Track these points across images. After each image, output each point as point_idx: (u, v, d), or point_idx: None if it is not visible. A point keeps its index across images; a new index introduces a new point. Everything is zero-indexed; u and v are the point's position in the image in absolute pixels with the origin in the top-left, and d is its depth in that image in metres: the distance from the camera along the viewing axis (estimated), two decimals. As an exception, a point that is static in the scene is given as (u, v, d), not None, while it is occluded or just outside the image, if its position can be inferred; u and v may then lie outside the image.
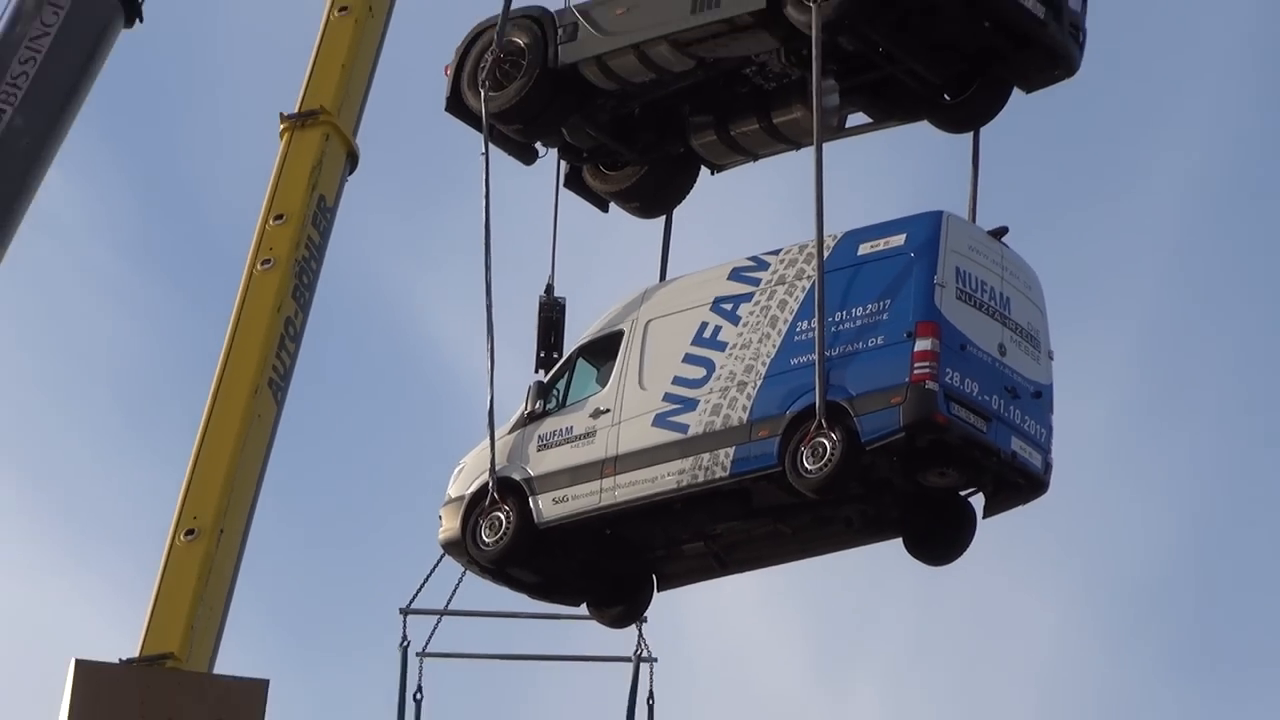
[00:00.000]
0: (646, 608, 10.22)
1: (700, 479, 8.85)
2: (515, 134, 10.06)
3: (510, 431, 9.73)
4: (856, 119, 9.94)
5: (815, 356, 8.46)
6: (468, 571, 9.88)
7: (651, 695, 10.69)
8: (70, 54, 9.21)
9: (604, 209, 10.95)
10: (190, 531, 9.20)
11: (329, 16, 10.06)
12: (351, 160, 10.04)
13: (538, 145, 10.42)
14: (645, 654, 10.74)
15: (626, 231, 10.87)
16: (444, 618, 10.61)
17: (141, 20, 9.47)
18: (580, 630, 10.14)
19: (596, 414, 9.43)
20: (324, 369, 11.30)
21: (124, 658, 8.66)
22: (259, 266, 9.34)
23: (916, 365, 8.43)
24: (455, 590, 10.12)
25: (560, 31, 9.77)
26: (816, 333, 8.57)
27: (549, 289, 10.19)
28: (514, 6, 9.81)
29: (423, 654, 10.85)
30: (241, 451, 9.23)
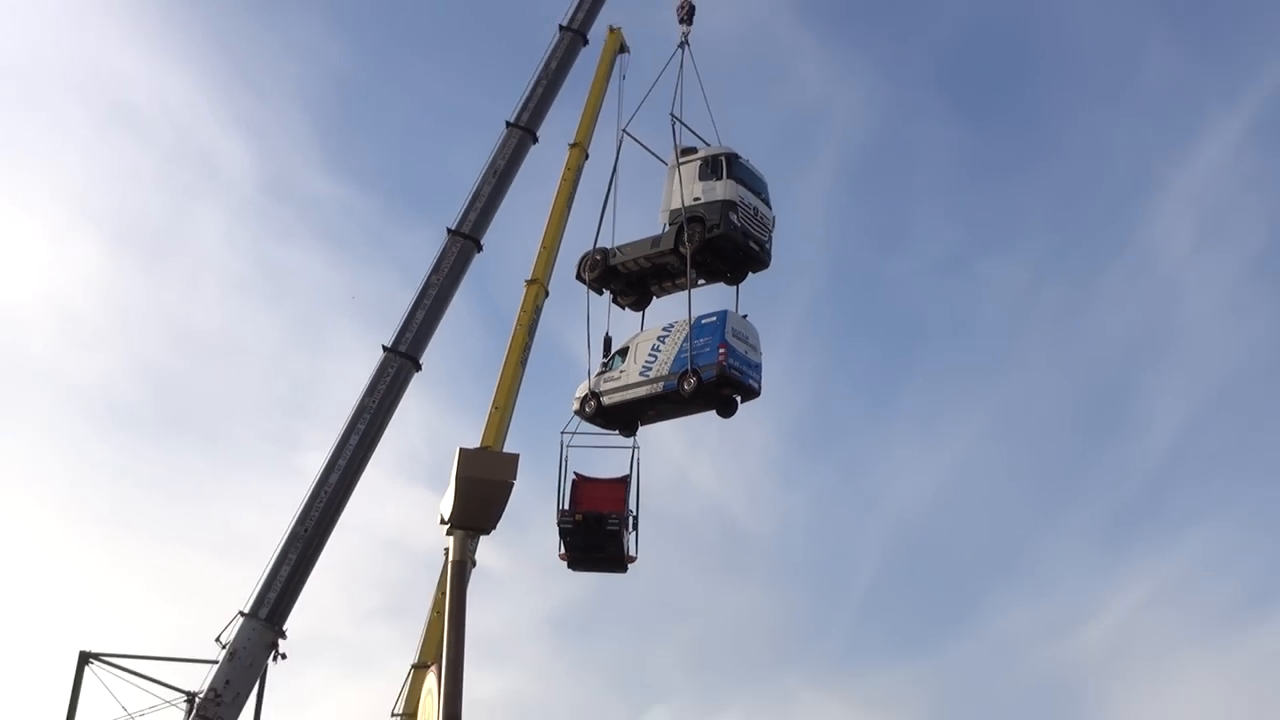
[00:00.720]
0: (636, 430, 24.71)
1: (653, 392, 23.93)
2: (596, 285, 25.22)
3: (597, 375, 24.54)
4: (703, 281, 24.92)
5: (690, 354, 23.66)
6: (582, 421, 24.58)
7: (639, 463, 24.91)
8: (461, 267, 25.63)
9: (624, 309, 26.00)
10: (497, 407, 25.33)
11: (539, 251, 26.24)
12: (547, 293, 25.65)
13: (603, 289, 25.42)
14: (637, 443, 25.04)
15: (631, 316, 26.26)
16: (575, 435, 24.67)
17: (482, 250, 26.66)
18: (617, 439, 25.13)
19: (621, 371, 24.31)
20: (536, 360, 27.58)
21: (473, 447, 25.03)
22: (518, 326, 25.76)
23: (720, 356, 23.43)
24: (579, 427, 24.62)
25: (610, 254, 24.93)
26: (689, 345, 23.68)
27: (606, 334, 25.32)
28: (598, 245, 25.03)
29: (569, 445, 24.45)
30: (513, 380, 25.16)
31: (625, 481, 24.72)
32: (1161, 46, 79.00)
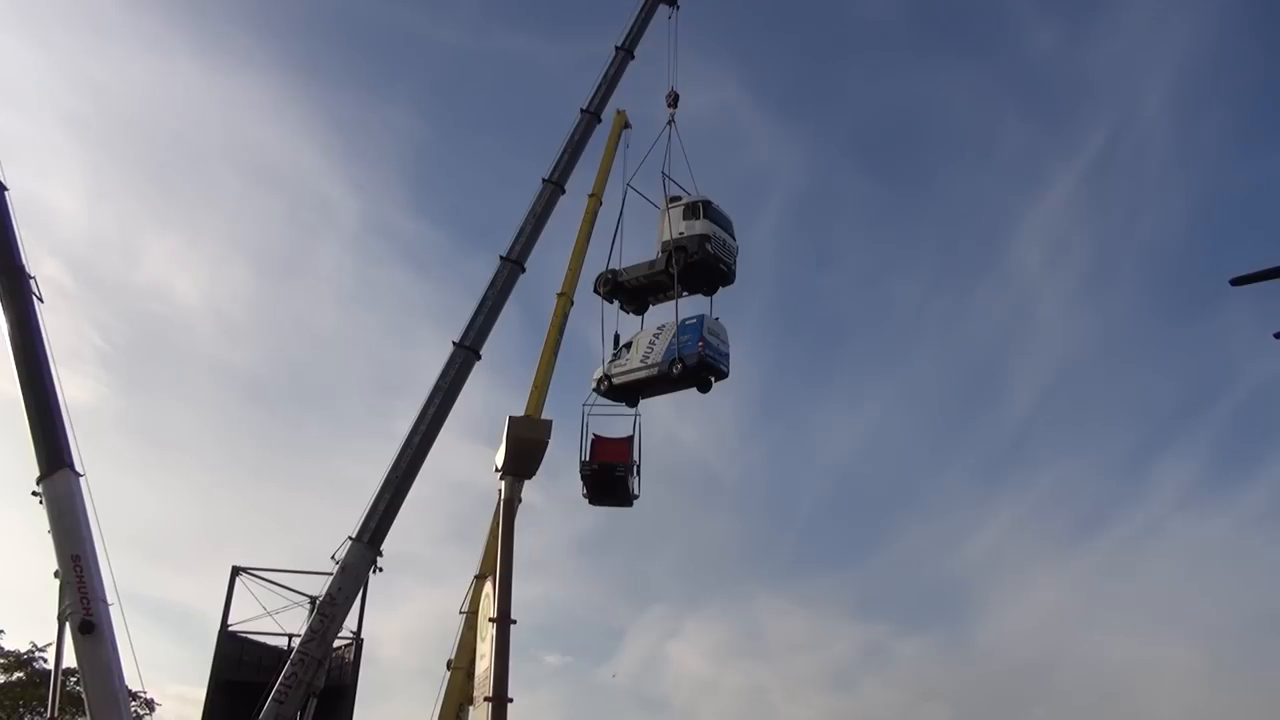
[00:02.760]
0: (639, 403, 31.34)
1: (651, 374, 31.50)
2: (608, 297, 32.61)
3: (609, 362, 31.87)
4: (686, 293, 32.29)
5: (677, 346, 31.23)
6: (599, 396, 31.56)
7: (641, 427, 31.27)
8: (510, 283, 33.80)
9: (628, 314, 33.23)
10: (536, 386, 32.53)
11: (566, 272, 33.70)
12: (572, 302, 32.83)
13: (613, 299, 32.62)
14: (639, 412, 31.60)
15: (634, 319, 33.45)
16: (593, 406, 31.64)
17: (525, 271, 34.95)
18: (624, 410, 31.87)
19: (627, 359, 31.74)
20: (564, 351, 34.28)
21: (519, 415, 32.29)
22: (552, 327, 33.36)
23: (699, 348, 30.94)
24: (596, 401, 32.24)
25: (618, 274, 32.41)
26: (677, 340, 31.22)
27: (616, 332, 32.81)
28: (609, 267, 32.41)
29: (589, 413, 31.17)
30: (548, 366, 32.78)
31: (630, 440, 30.57)
32: (1014, 120, 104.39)
